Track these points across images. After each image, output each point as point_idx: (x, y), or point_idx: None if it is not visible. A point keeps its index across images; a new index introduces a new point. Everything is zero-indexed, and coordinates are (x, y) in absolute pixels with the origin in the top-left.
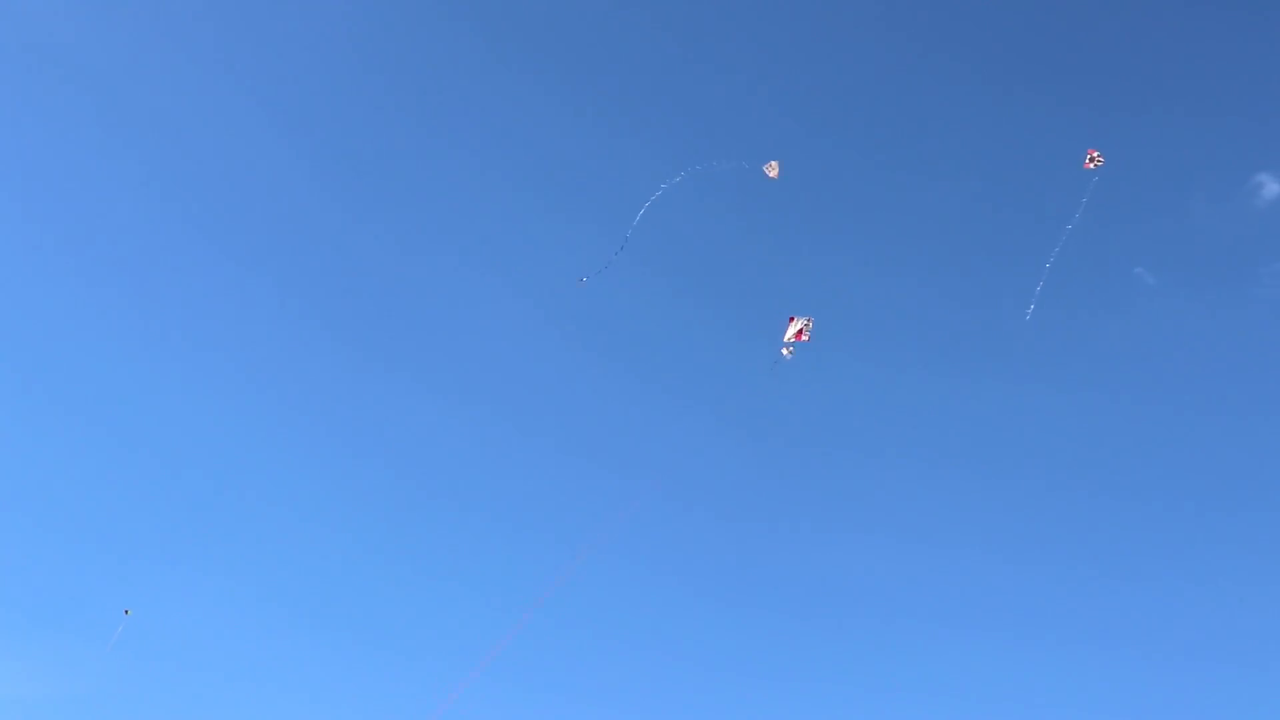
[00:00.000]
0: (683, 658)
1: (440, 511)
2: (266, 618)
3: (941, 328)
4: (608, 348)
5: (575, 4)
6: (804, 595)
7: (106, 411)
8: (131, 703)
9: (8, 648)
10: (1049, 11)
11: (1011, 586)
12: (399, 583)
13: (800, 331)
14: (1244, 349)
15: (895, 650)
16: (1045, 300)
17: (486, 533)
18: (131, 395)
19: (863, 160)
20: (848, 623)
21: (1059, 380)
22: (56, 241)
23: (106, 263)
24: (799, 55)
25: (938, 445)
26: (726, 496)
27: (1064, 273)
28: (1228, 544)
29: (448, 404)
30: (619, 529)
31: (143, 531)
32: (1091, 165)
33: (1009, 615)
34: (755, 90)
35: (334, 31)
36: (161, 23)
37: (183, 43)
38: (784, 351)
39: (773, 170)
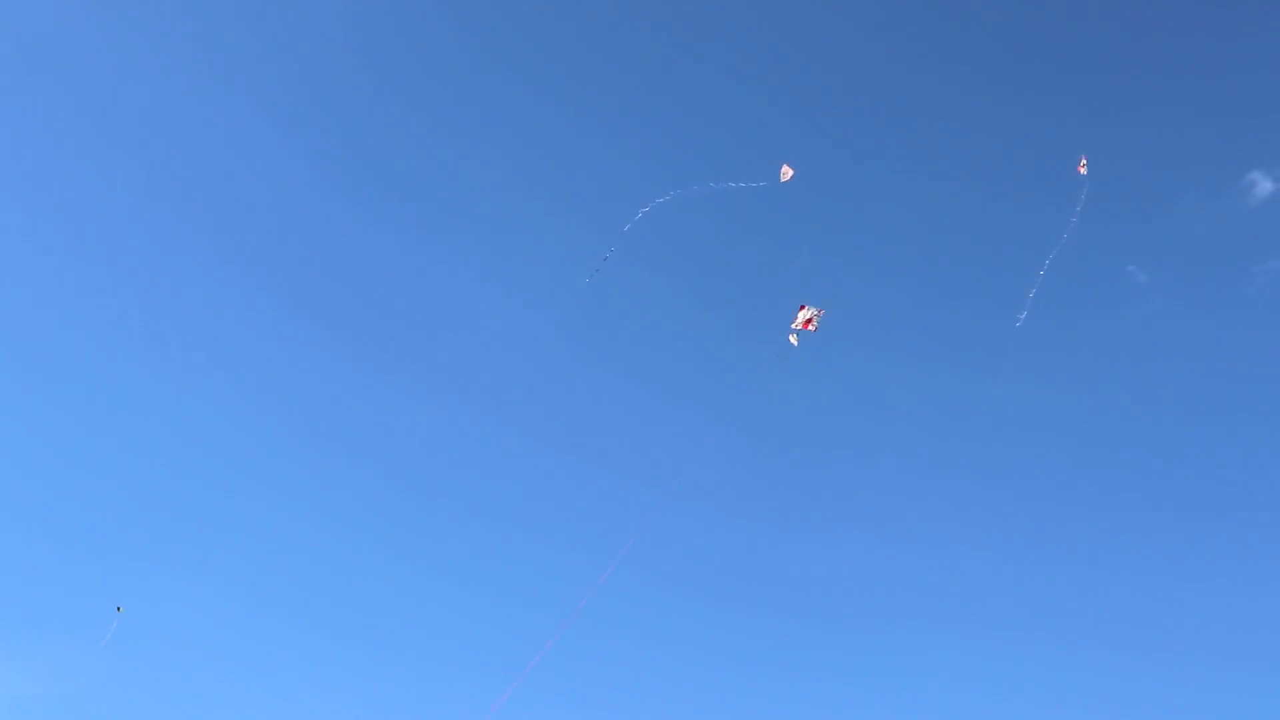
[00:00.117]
0: (683, 657)
1: (437, 512)
2: (261, 617)
3: (937, 327)
4: (608, 348)
5: (575, 4)
6: (803, 595)
7: (100, 410)
8: (125, 702)
9: None
10: (1041, 12)
11: (1010, 585)
12: (396, 583)
13: (809, 320)
14: (1237, 347)
15: (895, 650)
16: (1038, 300)
17: (485, 533)
18: (127, 394)
19: (862, 161)
20: (846, 622)
21: (1052, 379)
22: (56, 242)
23: (105, 263)
24: (798, 56)
25: (934, 444)
26: (726, 496)
27: (1057, 272)
28: (1222, 542)
29: (447, 405)
30: (641, 534)
31: (136, 530)
32: (1084, 170)
33: (1008, 615)
34: (754, 91)
35: (333, 33)
36: (161, 23)
37: (182, 43)
38: (791, 339)
39: (786, 175)
